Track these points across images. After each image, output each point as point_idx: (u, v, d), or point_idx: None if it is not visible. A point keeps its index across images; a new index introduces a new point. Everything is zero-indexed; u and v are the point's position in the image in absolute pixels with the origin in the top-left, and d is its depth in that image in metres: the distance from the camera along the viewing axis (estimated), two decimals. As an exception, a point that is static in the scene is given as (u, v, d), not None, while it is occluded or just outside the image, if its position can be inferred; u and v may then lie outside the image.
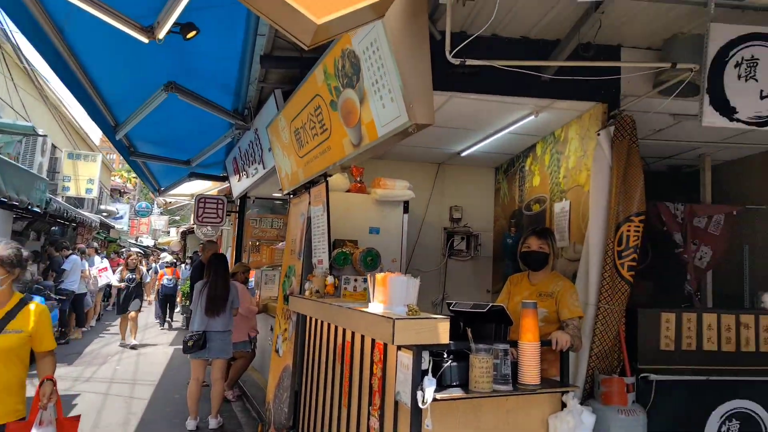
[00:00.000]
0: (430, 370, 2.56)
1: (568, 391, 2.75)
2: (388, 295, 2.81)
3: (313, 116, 4.05)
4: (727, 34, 2.83)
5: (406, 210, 5.09)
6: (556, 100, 3.85)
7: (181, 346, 5.78)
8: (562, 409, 2.72)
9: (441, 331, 2.55)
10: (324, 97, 3.76)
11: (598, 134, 3.68)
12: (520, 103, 3.95)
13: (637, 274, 6.21)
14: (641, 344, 3.56)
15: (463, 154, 5.52)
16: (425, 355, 2.57)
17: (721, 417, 3.56)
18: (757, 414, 3.60)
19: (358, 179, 5.00)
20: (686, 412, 3.54)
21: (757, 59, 2.83)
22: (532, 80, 3.70)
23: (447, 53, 2.87)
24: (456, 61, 2.94)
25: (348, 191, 4.94)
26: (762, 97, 2.84)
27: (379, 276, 2.91)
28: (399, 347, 2.64)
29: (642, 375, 3.45)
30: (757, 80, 2.84)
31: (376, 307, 2.89)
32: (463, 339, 2.75)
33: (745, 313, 3.70)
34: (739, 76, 2.83)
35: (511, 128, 4.59)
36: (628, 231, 3.52)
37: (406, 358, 2.60)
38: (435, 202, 6.12)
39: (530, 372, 2.61)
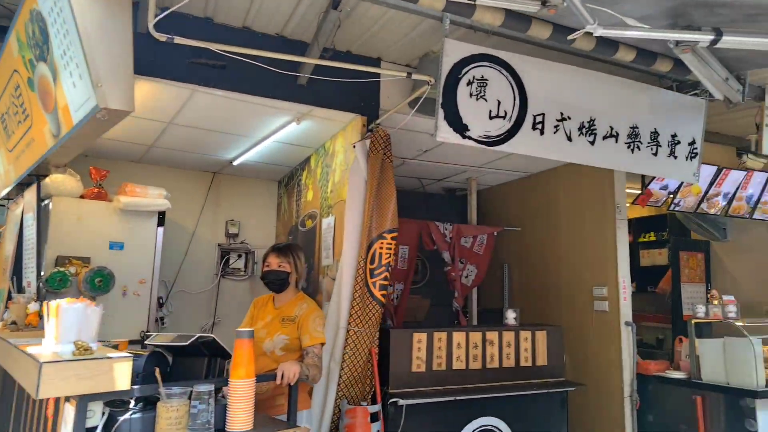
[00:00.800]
0: (101, 427, 1.97)
1: (294, 432, 2.38)
2: (59, 329, 2.15)
3: (15, 98, 3.18)
4: (461, 51, 2.84)
5: (161, 222, 4.39)
6: (315, 108, 3.60)
7: None
8: (285, 454, 2.34)
9: (119, 375, 1.99)
10: (21, 73, 2.95)
11: (354, 146, 3.50)
12: (277, 107, 3.62)
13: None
14: (393, 367, 3.42)
15: (236, 162, 5.03)
16: (95, 407, 1.98)
17: (467, 435, 3.57)
18: (500, 430, 3.69)
19: (98, 183, 4.17)
20: (435, 434, 3.48)
21: (487, 80, 2.89)
22: (288, 83, 3.40)
23: (150, 25, 2.37)
24: (162, 37, 2.45)
25: (82, 197, 4.07)
26: (491, 117, 2.90)
27: (52, 304, 2.23)
28: (67, 398, 2.02)
29: (391, 400, 3.28)
30: (486, 100, 2.89)
31: (48, 344, 2.20)
32: (172, 379, 2.24)
33: (490, 330, 3.81)
34: (471, 95, 2.85)
35: (278, 136, 4.25)
36: (381, 248, 3.38)
37: (70, 412, 1.97)
38: (208, 215, 5.49)
39: (240, 416, 2.17)
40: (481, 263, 5.61)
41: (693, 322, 4.51)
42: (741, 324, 4.28)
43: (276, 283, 2.98)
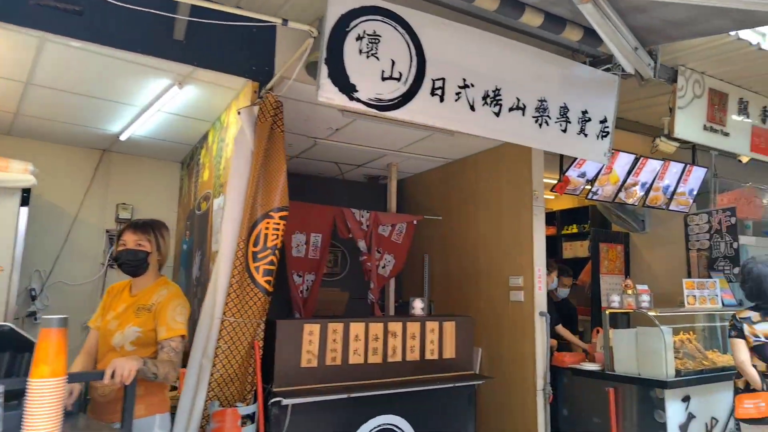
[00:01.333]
0: None
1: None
2: None
3: None
4: (350, 1, 2.49)
5: (25, 201, 3.80)
6: (197, 69, 3.16)
7: None
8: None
9: None
10: None
11: (239, 113, 3.09)
12: (151, 66, 3.15)
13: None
14: (279, 363, 3.03)
15: (124, 137, 4.48)
16: None
17: (364, 436, 3.24)
18: (401, 429, 3.39)
19: (-58, 154, 3.54)
20: (326, 436, 3.13)
21: (379, 36, 2.56)
22: (162, 36, 2.97)
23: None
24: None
25: None
26: (383, 79, 2.58)
27: None
28: None
29: (274, 400, 2.89)
30: (378, 59, 2.57)
31: None
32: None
33: (393, 321, 3.50)
34: (361, 51, 2.52)
35: (164, 105, 3.76)
36: (266, 229, 2.98)
37: None
38: (95, 197, 4.90)
39: (40, 423, 1.73)
40: (399, 253, 5.32)
41: (607, 312, 4.40)
42: (653, 314, 4.19)
43: (132, 264, 2.54)
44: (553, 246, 7.05)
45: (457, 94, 2.78)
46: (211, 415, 2.63)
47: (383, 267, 5.26)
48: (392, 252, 5.31)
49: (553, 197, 7.43)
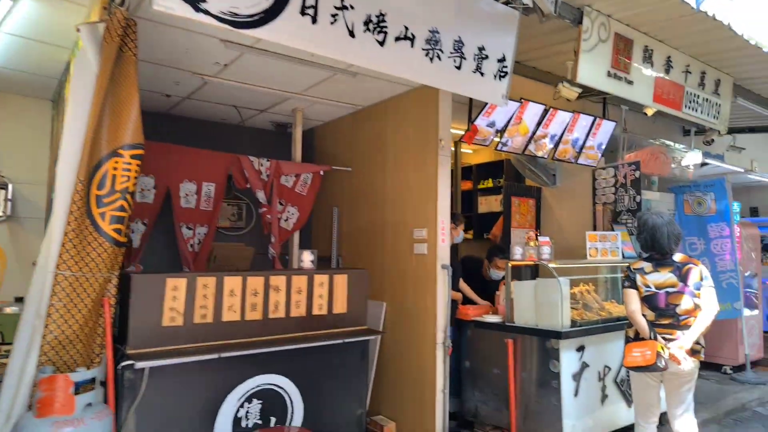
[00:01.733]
0: None
1: None
2: None
3: None
4: None
5: None
6: (23, -26, 2.62)
7: None
8: None
9: None
10: None
11: (78, 30, 2.60)
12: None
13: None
14: (134, 322, 2.68)
15: (-34, 66, 3.81)
16: None
17: (240, 399, 2.98)
18: (282, 388, 3.15)
19: None
20: (194, 400, 2.84)
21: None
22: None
23: None
24: None
25: None
26: (239, -9, 2.19)
27: None
28: None
29: (125, 363, 2.56)
30: (234, -34, 2.16)
31: None
32: None
33: (276, 275, 3.22)
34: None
35: (4, 25, 3.16)
36: (115, 169, 2.56)
37: None
38: (-59, 137, 4.22)
39: None
40: (303, 205, 5.00)
41: (510, 264, 4.34)
42: (553, 265, 4.15)
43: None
44: (469, 200, 6.99)
45: (333, 16, 2.43)
46: (38, 383, 2.26)
47: (286, 220, 4.93)
48: (296, 204, 4.98)
49: (471, 152, 7.33)
